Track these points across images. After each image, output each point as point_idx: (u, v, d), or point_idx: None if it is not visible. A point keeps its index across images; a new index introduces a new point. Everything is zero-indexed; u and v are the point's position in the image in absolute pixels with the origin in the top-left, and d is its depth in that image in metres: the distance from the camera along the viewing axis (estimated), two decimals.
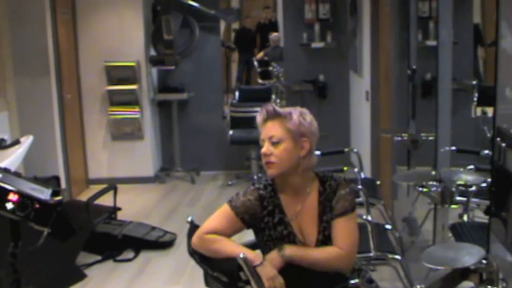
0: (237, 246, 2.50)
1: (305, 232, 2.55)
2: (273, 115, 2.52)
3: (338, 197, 2.55)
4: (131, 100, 7.20)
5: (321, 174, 2.63)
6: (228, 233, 2.55)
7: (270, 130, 2.51)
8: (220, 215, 2.58)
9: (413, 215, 4.83)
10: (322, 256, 2.49)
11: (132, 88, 7.17)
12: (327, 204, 2.55)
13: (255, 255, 2.45)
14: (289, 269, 2.48)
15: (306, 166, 2.56)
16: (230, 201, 2.58)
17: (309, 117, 2.57)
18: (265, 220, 2.55)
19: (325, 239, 2.53)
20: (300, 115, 2.53)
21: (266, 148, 2.51)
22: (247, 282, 2.32)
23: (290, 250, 2.47)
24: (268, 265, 2.42)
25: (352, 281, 2.52)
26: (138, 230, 5.40)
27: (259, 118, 2.56)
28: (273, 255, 2.49)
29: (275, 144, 2.49)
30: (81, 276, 4.73)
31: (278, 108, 2.54)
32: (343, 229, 2.52)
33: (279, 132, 2.49)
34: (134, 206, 6.45)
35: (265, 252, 2.57)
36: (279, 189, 2.58)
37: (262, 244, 2.59)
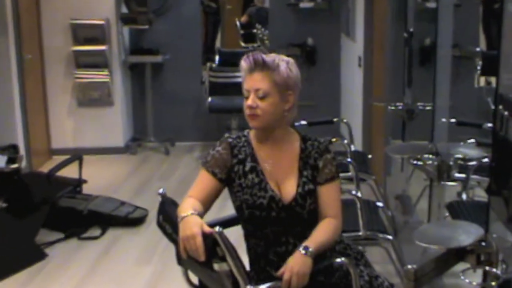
0: (187, 208, 2.48)
1: (282, 185, 2.66)
2: (261, 66, 2.59)
3: (325, 161, 2.68)
4: (99, 63, 7.17)
5: (303, 133, 2.78)
6: (208, 196, 2.63)
7: (257, 82, 2.59)
8: (197, 180, 2.69)
9: (407, 193, 4.85)
10: (332, 234, 2.61)
11: (101, 49, 7.13)
12: (308, 161, 2.68)
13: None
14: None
15: (288, 119, 2.71)
16: (203, 161, 2.72)
17: (295, 68, 2.67)
18: (235, 169, 2.67)
19: (305, 194, 2.63)
20: (287, 66, 2.62)
21: (252, 100, 2.59)
22: (223, 258, 2.32)
23: (312, 246, 2.48)
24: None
25: (338, 260, 2.57)
26: (106, 205, 5.39)
27: (244, 65, 2.62)
28: (301, 259, 2.45)
29: (261, 96, 2.59)
30: (41, 256, 4.72)
31: (266, 59, 2.60)
32: (333, 196, 2.68)
33: (267, 85, 2.58)
34: (102, 179, 6.43)
35: (236, 203, 2.67)
36: (255, 140, 2.72)
37: (234, 195, 2.68)
